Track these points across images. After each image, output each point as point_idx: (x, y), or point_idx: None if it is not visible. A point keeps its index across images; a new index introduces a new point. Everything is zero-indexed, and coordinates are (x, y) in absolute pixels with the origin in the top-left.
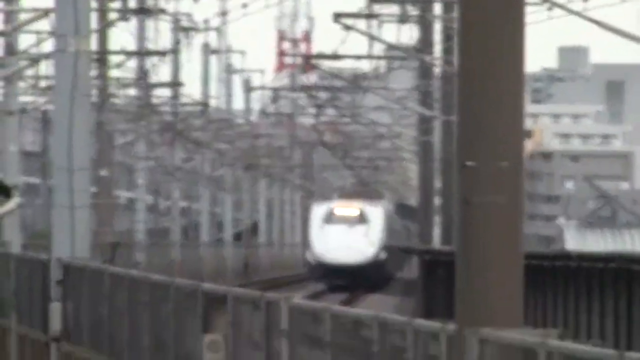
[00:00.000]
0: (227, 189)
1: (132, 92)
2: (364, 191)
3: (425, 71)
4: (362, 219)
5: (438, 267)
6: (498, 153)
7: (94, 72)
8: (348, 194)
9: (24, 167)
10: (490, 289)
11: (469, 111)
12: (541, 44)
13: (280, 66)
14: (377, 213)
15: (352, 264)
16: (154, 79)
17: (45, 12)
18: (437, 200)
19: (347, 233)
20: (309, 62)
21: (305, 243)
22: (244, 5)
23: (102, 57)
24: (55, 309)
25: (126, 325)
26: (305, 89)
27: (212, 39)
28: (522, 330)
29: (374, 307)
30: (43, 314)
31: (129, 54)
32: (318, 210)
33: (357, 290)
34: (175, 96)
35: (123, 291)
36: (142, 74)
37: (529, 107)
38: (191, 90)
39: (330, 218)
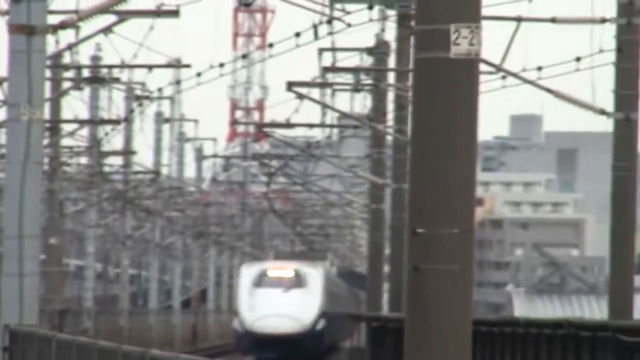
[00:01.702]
0: (177, 256)
1: (84, 160)
2: (304, 252)
3: (377, 140)
4: (298, 281)
5: (387, 335)
6: (449, 220)
7: (46, 141)
8: (284, 255)
9: None
10: (440, 355)
11: (421, 178)
12: (493, 113)
13: (232, 134)
14: (315, 275)
15: (285, 334)
16: (106, 147)
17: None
18: (386, 268)
19: (280, 298)
20: (261, 130)
21: (233, 310)
22: (198, 74)
23: (54, 125)
24: None
25: None
26: (257, 157)
27: (166, 107)
28: None
29: None
30: None
31: (82, 122)
32: (247, 273)
33: None
34: (127, 164)
35: (71, 358)
36: (95, 142)
37: (481, 175)
38: (143, 158)
39: (261, 281)
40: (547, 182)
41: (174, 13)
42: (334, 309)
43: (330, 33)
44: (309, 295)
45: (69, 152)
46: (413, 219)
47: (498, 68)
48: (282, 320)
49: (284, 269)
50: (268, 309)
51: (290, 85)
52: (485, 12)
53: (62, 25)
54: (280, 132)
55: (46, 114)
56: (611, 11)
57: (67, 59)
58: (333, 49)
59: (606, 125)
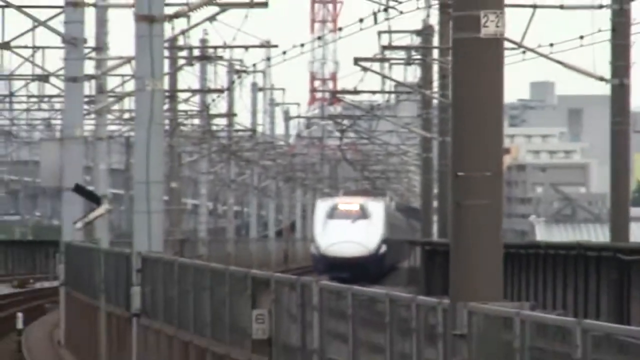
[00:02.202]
0: (271, 196)
1: (196, 121)
2: (368, 190)
3: (426, 103)
4: (363, 214)
5: (436, 256)
6: (483, 165)
7: (166, 106)
8: (352, 192)
9: (112, 181)
10: (477, 272)
11: (460, 133)
12: (516, 80)
13: (312, 100)
14: (378, 208)
15: (353, 257)
16: (213, 110)
17: (128, 60)
18: (435, 203)
19: (348, 227)
20: (335, 96)
21: (311, 237)
22: (284, 52)
23: (172, 94)
24: (136, 292)
25: (191, 304)
26: (332, 117)
27: (259, 79)
28: (501, 303)
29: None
30: (126, 295)
31: (194, 91)
32: (322, 206)
33: (358, 282)
34: (230, 124)
35: (189, 277)
36: (204, 107)
37: (507, 130)
38: (243, 119)
39: (333, 213)
40: (560, 135)
41: (264, 4)
42: (394, 236)
43: (387, 19)
44: (373, 225)
45: (185, 115)
46: (455, 165)
47: (519, 45)
48: (350, 246)
49: (352, 203)
50: (339, 236)
51: (357, 61)
52: (507, 0)
53: (177, 15)
54: (349, 98)
55: (165, 85)
56: None
57: (181, 41)
58: (389, 31)
59: (605, 89)
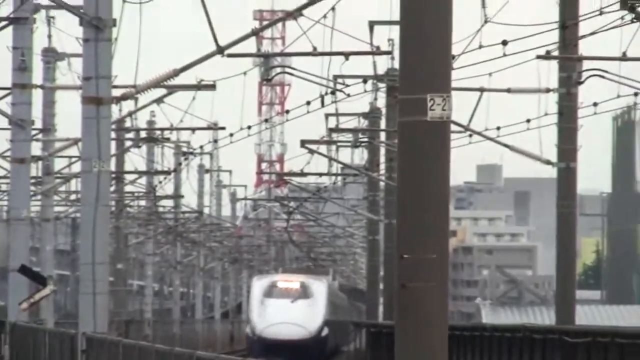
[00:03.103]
0: (217, 277)
1: (143, 202)
2: (309, 267)
3: (372, 185)
4: (304, 293)
5: (382, 338)
6: (428, 248)
7: (113, 188)
8: (292, 269)
9: (57, 262)
10: (422, 354)
11: (405, 216)
12: (463, 163)
13: (259, 182)
14: (320, 287)
15: (292, 340)
16: (160, 192)
17: (74, 141)
18: (381, 285)
19: (288, 307)
20: (281, 178)
21: (246, 318)
22: (231, 134)
23: (119, 175)
24: None
25: None
26: (279, 199)
27: (206, 161)
28: None
29: None
30: None
31: (140, 173)
32: (258, 284)
33: None
34: (176, 206)
35: (134, 358)
36: (151, 189)
37: (453, 212)
38: (189, 201)
39: (270, 291)
40: (506, 218)
41: (212, 86)
42: (337, 317)
43: (334, 101)
44: (314, 305)
45: (131, 197)
46: (401, 247)
47: (466, 128)
48: (289, 327)
49: (292, 281)
50: (277, 317)
51: (304, 143)
52: (454, 84)
53: (124, 97)
54: (296, 180)
55: (112, 166)
56: (554, 82)
57: (128, 123)
58: (337, 114)
59: (552, 172)
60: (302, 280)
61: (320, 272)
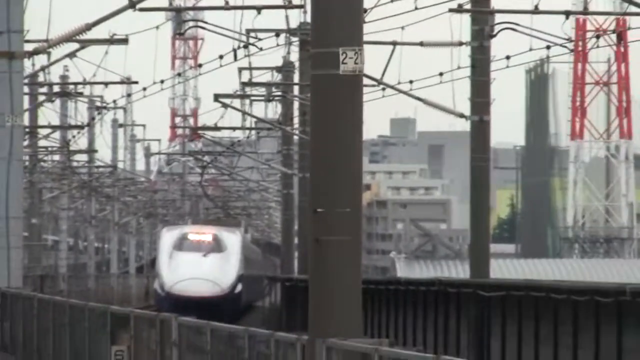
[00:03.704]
0: (132, 232)
1: (57, 157)
2: (220, 219)
3: (286, 139)
4: (217, 246)
5: (297, 292)
6: (342, 201)
7: (26, 142)
8: (203, 221)
9: None
10: (336, 308)
11: (319, 169)
12: (377, 117)
13: (173, 136)
14: (234, 240)
15: (204, 297)
16: (74, 147)
17: None
18: (296, 239)
19: (199, 262)
20: (195, 132)
21: (154, 271)
22: (144, 89)
23: (32, 130)
24: None
25: (51, 340)
26: (193, 153)
27: (120, 115)
28: (360, 339)
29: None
30: None
31: (54, 127)
32: (167, 236)
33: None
34: (90, 161)
35: (48, 313)
36: (65, 143)
37: (367, 166)
38: (103, 155)
39: (181, 244)
40: (420, 171)
41: (124, 41)
42: (250, 272)
43: (247, 55)
44: (227, 259)
45: (45, 151)
46: (314, 201)
47: (379, 82)
48: (201, 283)
49: (204, 233)
50: (188, 272)
51: (217, 97)
52: (367, 37)
53: (36, 52)
54: (210, 134)
55: (25, 121)
56: (467, 36)
57: (41, 78)
58: (250, 68)
59: (465, 125)
60: (215, 232)
61: (231, 224)
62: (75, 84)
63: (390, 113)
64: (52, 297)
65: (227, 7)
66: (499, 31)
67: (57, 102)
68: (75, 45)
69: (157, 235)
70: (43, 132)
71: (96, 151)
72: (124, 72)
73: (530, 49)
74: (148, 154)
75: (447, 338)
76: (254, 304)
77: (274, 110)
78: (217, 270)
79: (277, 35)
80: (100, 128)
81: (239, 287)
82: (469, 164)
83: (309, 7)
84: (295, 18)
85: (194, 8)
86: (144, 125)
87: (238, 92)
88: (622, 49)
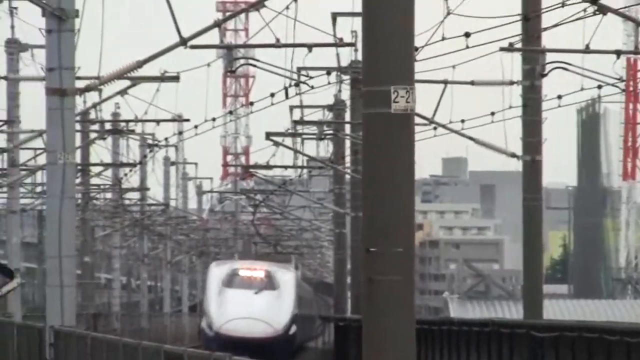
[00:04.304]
0: (184, 271)
1: (109, 195)
2: (270, 254)
3: (338, 178)
4: (270, 283)
5: (350, 332)
6: (394, 241)
7: (78, 180)
8: (249, 257)
9: (24, 255)
10: (390, 348)
11: (372, 208)
12: (429, 156)
13: (225, 174)
14: (288, 277)
15: (257, 338)
16: (126, 184)
17: (39, 133)
18: (348, 279)
19: (251, 300)
20: (247, 171)
21: (202, 311)
22: (196, 126)
23: (85, 167)
24: None
25: None
26: (245, 192)
27: (172, 153)
28: None
29: None
30: None
31: (106, 165)
32: (216, 272)
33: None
34: (142, 198)
35: (102, 352)
36: (117, 181)
37: (419, 206)
38: (155, 193)
39: (231, 281)
40: (472, 211)
41: (175, 78)
42: (303, 311)
43: (298, 93)
44: (281, 298)
45: (97, 189)
46: (366, 240)
47: (430, 121)
48: (253, 324)
49: (256, 269)
50: (239, 311)
51: (269, 135)
52: (418, 76)
53: (87, 89)
54: (262, 172)
55: (78, 158)
56: (518, 75)
57: (92, 115)
58: (301, 106)
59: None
60: (267, 268)
61: (281, 260)
62: (127, 121)
63: (442, 152)
64: (105, 335)
65: (278, 45)
66: (550, 70)
67: (109, 139)
68: (127, 83)
69: (206, 271)
70: (95, 169)
71: (148, 189)
72: (176, 110)
73: (582, 89)
74: (200, 192)
75: None
76: (306, 345)
77: (325, 149)
78: (271, 309)
79: (329, 73)
80: (152, 166)
81: (293, 328)
82: (521, 204)
83: (360, 45)
84: (347, 56)
85: (245, 46)
86: (195, 163)
87: (289, 131)
88: None
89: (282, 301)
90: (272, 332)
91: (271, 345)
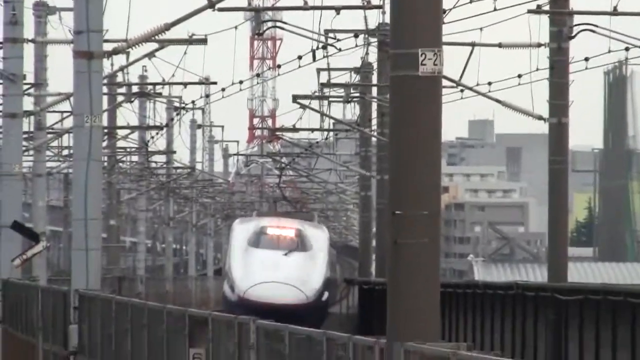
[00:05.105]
0: (210, 234)
1: (135, 158)
2: (289, 212)
3: (364, 141)
4: (301, 243)
5: (374, 295)
6: (420, 204)
7: (105, 143)
8: (269, 214)
9: (50, 218)
10: (414, 311)
11: (398, 171)
12: (455, 118)
13: (251, 137)
14: (320, 237)
15: (287, 305)
16: (152, 147)
17: (66, 96)
18: (373, 242)
19: (280, 262)
20: (274, 133)
21: (224, 272)
22: (223, 89)
23: (111, 130)
24: (73, 330)
25: (129, 342)
26: (271, 155)
27: (198, 116)
28: (438, 343)
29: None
30: (64, 333)
31: (132, 128)
32: (241, 229)
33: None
34: (169, 161)
35: (126, 315)
36: (143, 144)
37: (445, 168)
38: (182, 156)
39: (258, 240)
40: (498, 174)
41: (203, 41)
42: (333, 275)
43: (325, 56)
44: (314, 261)
45: (123, 152)
46: (392, 203)
47: (457, 83)
48: (283, 289)
49: (286, 228)
50: (267, 275)
51: (295, 98)
52: (445, 38)
53: (115, 51)
54: (288, 135)
55: (104, 121)
56: (545, 37)
57: (120, 78)
58: (328, 69)
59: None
60: (298, 226)
61: (304, 218)
62: (154, 84)
63: (469, 115)
64: (130, 299)
65: (305, 7)
66: (577, 32)
67: (136, 102)
68: (154, 46)
69: (229, 228)
70: (122, 132)
71: (174, 152)
72: (203, 73)
73: (609, 51)
74: (226, 155)
75: (524, 342)
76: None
77: (352, 112)
78: (302, 273)
79: (356, 36)
80: (179, 129)
81: (326, 295)
82: (547, 167)
83: (387, 8)
84: (374, 18)
85: (272, 8)
86: (222, 127)
87: (316, 93)
88: None
89: (314, 264)
90: (303, 299)
91: (302, 313)
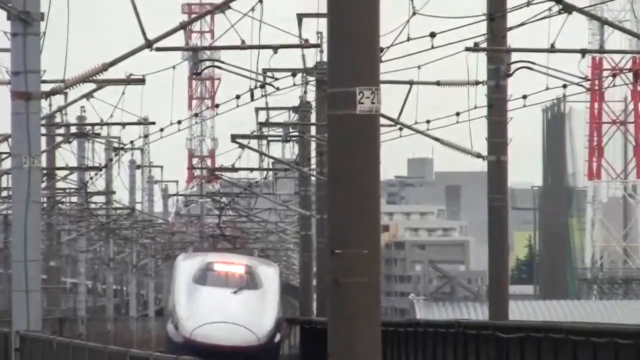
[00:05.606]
0: (150, 274)
1: (74, 199)
2: (233, 251)
3: (303, 180)
4: (252, 281)
5: (316, 335)
6: (360, 243)
7: (44, 184)
8: (218, 249)
9: None
10: (356, 350)
11: (337, 210)
12: (394, 157)
13: (190, 177)
14: (271, 274)
15: (237, 347)
16: (91, 188)
17: (4, 137)
18: (314, 281)
19: (229, 301)
20: (213, 173)
21: (167, 310)
22: (161, 129)
23: (50, 171)
24: None
25: None
26: (210, 195)
27: (137, 156)
28: None
29: None
30: None
31: (71, 169)
32: (185, 266)
33: None
34: (108, 202)
35: (68, 357)
36: (82, 185)
37: (385, 207)
38: (121, 197)
39: (204, 277)
40: (438, 212)
41: (141, 81)
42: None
43: (264, 95)
44: (265, 299)
45: (63, 193)
46: (332, 243)
47: (395, 122)
48: (232, 330)
49: (234, 264)
50: (214, 314)
51: (234, 138)
52: (383, 77)
53: (53, 92)
54: (227, 175)
55: (43, 162)
56: (483, 75)
57: (58, 118)
58: (267, 108)
59: (482, 165)
60: (248, 262)
61: (243, 253)
62: (93, 124)
63: (408, 153)
64: (72, 340)
65: (243, 47)
66: (515, 70)
67: (75, 143)
68: (92, 86)
69: (173, 265)
70: (61, 173)
71: (114, 192)
72: (141, 113)
73: (547, 88)
74: (166, 196)
75: None
76: None
77: (291, 151)
78: (253, 313)
79: (294, 74)
80: (118, 169)
81: (278, 336)
82: (486, 205)
83: (325, 47)
84: (312, 57)
85: (210, 47)
86: (161, 167)
87: (255, 133)
88: (638, 88)
89: (265, 303)
90: (254, 341)
91: (252, 356)
